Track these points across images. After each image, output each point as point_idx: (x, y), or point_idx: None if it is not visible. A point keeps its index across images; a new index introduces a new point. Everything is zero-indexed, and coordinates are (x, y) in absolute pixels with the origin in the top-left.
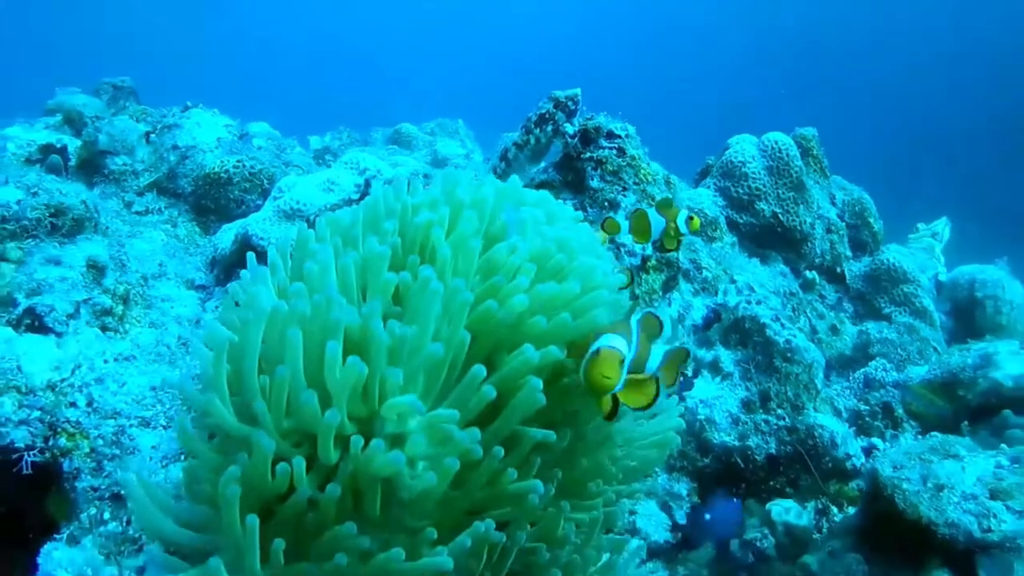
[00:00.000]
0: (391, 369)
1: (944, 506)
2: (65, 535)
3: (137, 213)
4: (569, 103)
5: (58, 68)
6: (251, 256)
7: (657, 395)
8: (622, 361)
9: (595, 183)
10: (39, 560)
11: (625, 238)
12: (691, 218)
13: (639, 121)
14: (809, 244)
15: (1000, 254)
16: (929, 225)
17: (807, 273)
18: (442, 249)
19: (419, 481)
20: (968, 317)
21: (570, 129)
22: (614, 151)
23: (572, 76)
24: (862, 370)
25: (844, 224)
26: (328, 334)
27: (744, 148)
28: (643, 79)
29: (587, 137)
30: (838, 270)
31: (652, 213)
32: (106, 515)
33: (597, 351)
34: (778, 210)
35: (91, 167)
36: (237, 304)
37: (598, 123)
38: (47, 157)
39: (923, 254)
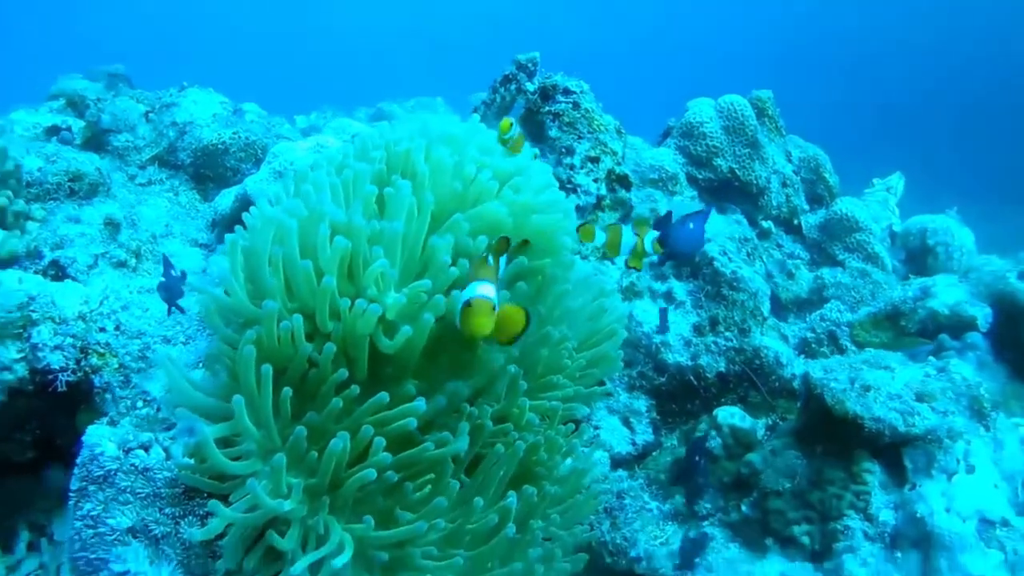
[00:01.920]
0: (373, 249)
1: (871, 403)
2: (105, 420)
3: (141, 185)
4: (530, 64)
5: (51, 59)
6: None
7: (528, 321)
8: (493, 307)
9: (553, 133)
10: (83, 438)
11: (580, 178)
12: (658, 240)
13: (605, 87)
14: (766, 197)
15: (951, 206)
16: (884, 180)
17: (763, 223)
18: (420, 167)
19: (399, 335)
20: (921, 263)
21: (531, 87)
22: (570, 105)
23: (541, 44)
24: (818, 311)
25: (799, 179)
26: (319, 227)
27: (702, 109)
28: (610, 46)
29: (546, 93)
30: (795, 222)
31: (627, 231)
32: (139, 404)
33: (468, 302)
34: (735, 166)
35: (96, 144)
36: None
37: (555, 81)
38: (54, 136)
39: (878, 206)
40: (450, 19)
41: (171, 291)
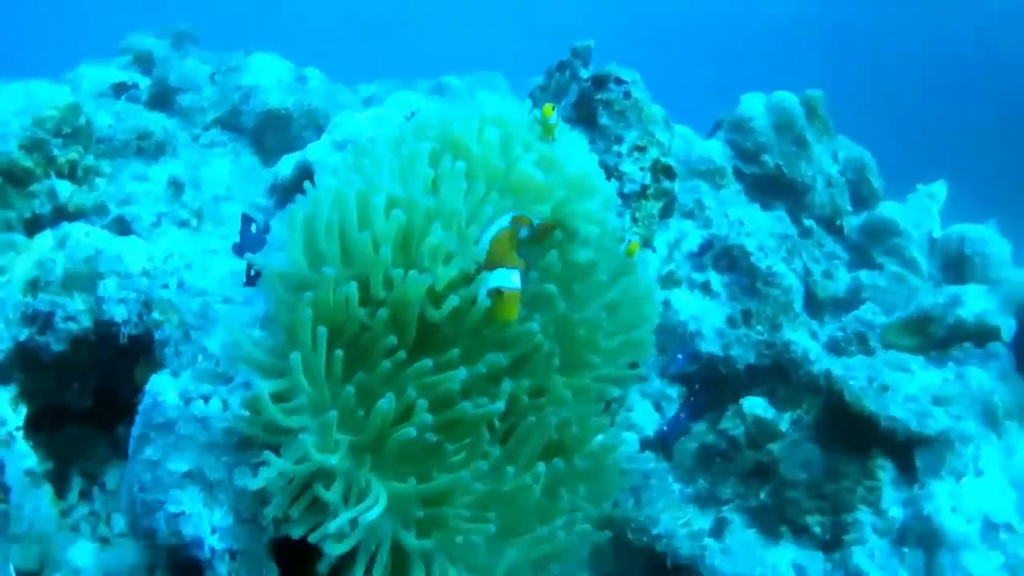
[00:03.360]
0: (432, 224)
1: (887, 403)
2: (167, 371)
3: (204, 146)
4: (585, 52)
5: (120, 15)
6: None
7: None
8: (520, 297)
9: (604, 120)
10: (146, 387)
11: (626, 166)
12: (631, 243)
13: (655, 73)
14: (809, 196)
15: (993, 216)
16: (927, 186)
17: (806, 221)
18: (473, 148)
19: (446, 305)
20: (958, 271)
21: (584, 74)
22: (621, 94)
23: (598, 27)
24: (852, 313)
25: (844, 180)
26: (376, 199)
27: (753, 104)
28: (665, 31)
29: (599, 81)
30: (837, 222)
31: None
32: (199, 358)
33: (500, 293)
34: (781, 163)
35: (161, 102)
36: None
37: (608, 70)
38: (121, 94)
39: (919, 212)
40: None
41: (253, 249)
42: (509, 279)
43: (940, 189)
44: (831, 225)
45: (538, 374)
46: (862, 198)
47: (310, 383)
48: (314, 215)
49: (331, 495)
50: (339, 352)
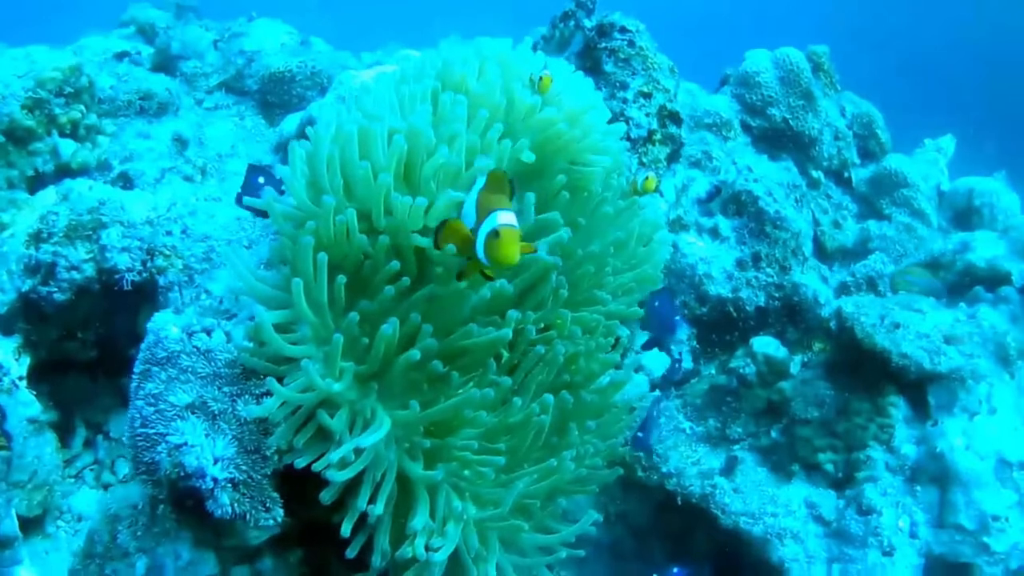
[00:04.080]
0: (439, 147)
1: (899, 340)
2: (171, 309)
3: (208, 109)
4: (588, 2)
5: None
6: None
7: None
8: (520, 236)
9: (609, 68)
10: (148, 324)
11: (632, 112)
12: (647, 178)
13: (663, 30)
14: (817, 148)
15: (1000, 169)
16: (935, 140)
17: (814, 173)
18: (473, 86)
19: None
20: (966, 223)
21: (588, 24)
22: (626, 42)
23: None
24: (861, 262)
25: (852, 133)
26: (377, 128)
27: (759, 59)
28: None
29: (603, 30)
30: (845, 174)
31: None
32: (202, 297)
33: (496, 232)
34: (788, 116)
35: (165, 70)
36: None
37: (612, 19)
38: (128, 58)
39: (927, 165)
40: None
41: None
42: (505, 220)
43: (948, 143)
44: (839, 177)
45: (545, 306)
46: (870, 152)
47: (313, 311)
48: (315, 150)
49: (335, 423)
50: (341, 278)
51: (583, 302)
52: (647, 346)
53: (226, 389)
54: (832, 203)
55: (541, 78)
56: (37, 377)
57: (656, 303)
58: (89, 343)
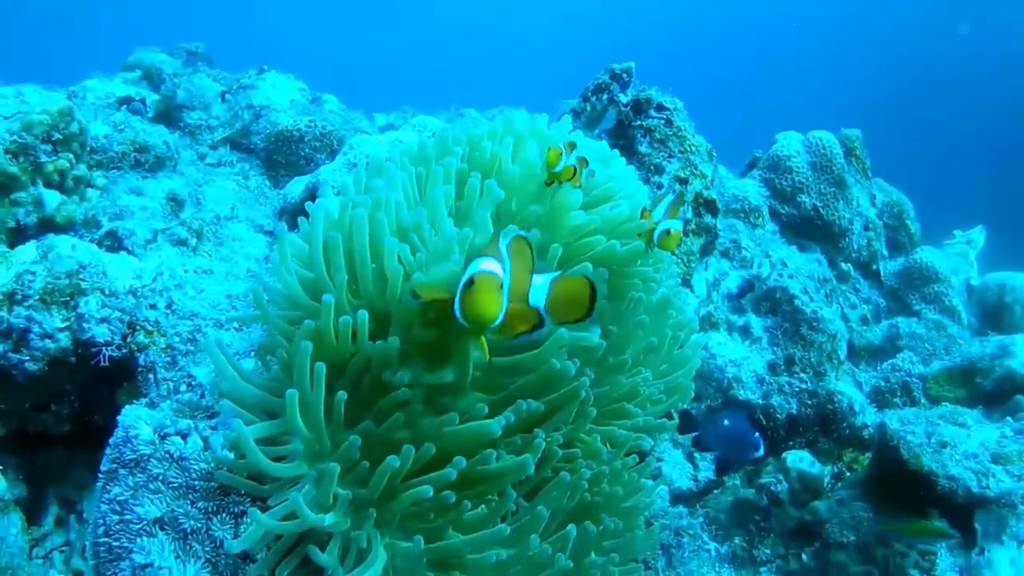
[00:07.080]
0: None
1: (946, 461)
2: (144, 401)
3: (210, 165)
4: (623, 75)
5: (132, 33)
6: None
7: (540, 324)
8: (501, 286)
9: (644, 148)
10: (118, 418)
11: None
12: (667, 232)
13: (694, 109)
14: (847, 239)
15: None
16: (965, 232)
17: (843, 265)
18: (509, 168)
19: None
20: (996, 320)
21: (623, 99)
22: (662, 121)
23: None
24: (890, 361)
25: (882, 224)
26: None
27: (790, 143)
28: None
29: (639, 107)
30: (873, 267)
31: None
32: (182, 388)
33: (470, 279)
34: (819, 203)
35: (168, 119)
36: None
37: (649, 95)
38: (127, 106)
39: (957, 259)
40: (540, 25)
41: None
42: (486, 267)
43: (979, 235)
44: (867, 269)
45: (570, 422)
46: (899, 243)
47: (308, 426)
48: (310, 240)
49: (326, 558)
50: (342, 394)
51: (610, 414)
52: (719, 470)
53: (201, 504)
54: (860, 297)
55: (575, 166)
56: (7, 449)
57: (726, 421)
58: (64, 417)
